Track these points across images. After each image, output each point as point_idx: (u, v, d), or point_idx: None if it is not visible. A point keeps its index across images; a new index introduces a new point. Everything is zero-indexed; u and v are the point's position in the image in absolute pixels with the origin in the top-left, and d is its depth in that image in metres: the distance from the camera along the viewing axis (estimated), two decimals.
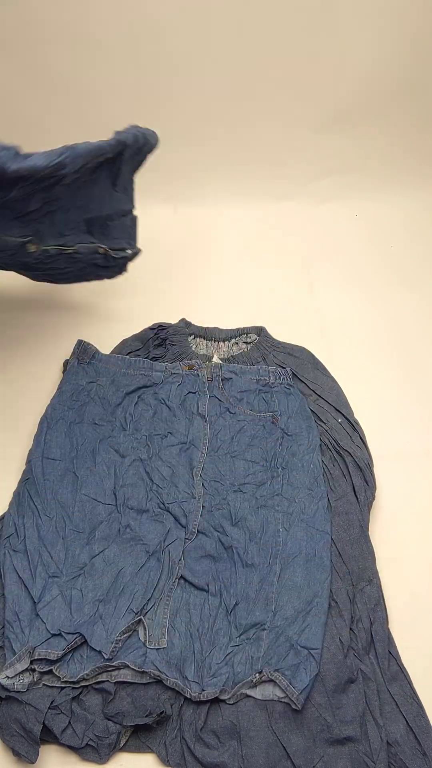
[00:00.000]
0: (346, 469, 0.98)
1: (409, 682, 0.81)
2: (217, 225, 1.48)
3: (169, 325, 1.17)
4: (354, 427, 1.03)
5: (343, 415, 1.04)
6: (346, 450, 0.99)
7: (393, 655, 0.83)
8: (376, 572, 0.90)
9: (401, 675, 0.82)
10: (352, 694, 0.79)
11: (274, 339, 1.16)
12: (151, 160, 1.49)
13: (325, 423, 1.03)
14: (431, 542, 0.97)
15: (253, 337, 1.17)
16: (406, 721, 0.78)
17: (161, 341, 1.15)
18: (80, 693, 0.79)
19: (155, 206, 1.49)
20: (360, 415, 1.07)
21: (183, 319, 1.18)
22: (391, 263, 1.41)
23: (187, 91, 1.40)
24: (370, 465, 0.99)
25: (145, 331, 1.16)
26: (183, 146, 1.48)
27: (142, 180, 1.52)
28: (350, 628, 0.84)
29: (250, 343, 1.17)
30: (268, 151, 1.50)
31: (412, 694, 0.80)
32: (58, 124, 1.42)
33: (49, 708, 0.76)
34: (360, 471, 0.98)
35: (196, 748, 0.75)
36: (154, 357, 1.13)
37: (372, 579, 0.88)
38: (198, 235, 1.46)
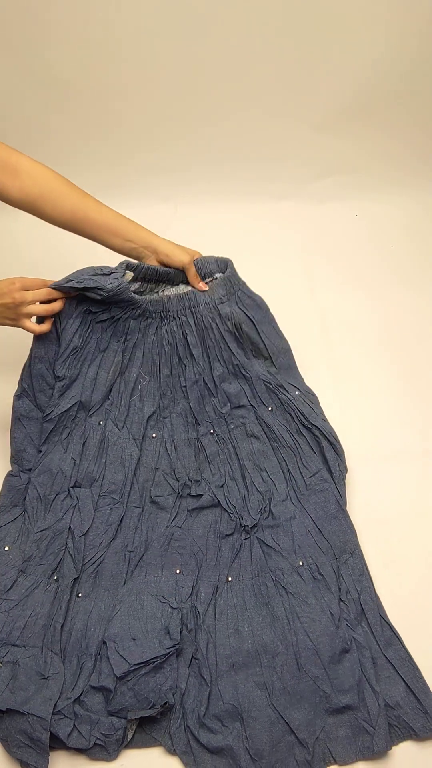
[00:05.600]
0: (317, 444, 0.98)
1: (403, 646, 0.84)
2: (216, 225, 1.48)
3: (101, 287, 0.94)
4: (307, 397, 1.01)
5: (292, 385, 1.01)
6: (314, 425, 0.98)
7: (385, 620, 0.86)
8: (357, 544, 0.92)
9: (395, 639, 0.85)
10: (348, 664, 0.81)
11: (239, 278, 1.04)
12: (152, 160, 1.50)
13: (287, 393, 1.01)
14: (431, 542, 0.97)
15: (218, 275, 1.03)
16: (405, 683, 0.81)
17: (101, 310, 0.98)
18: (81, 695, 0.79)
19: (155, 206, 1.50)
20: (359, 414, 1.07)
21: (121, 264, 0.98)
22: (391, 263, 1.41)
23: (187, 91, 1.40)
24: (336, 436, 0.98)
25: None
26: (183, 146, 1.48)
27: (142, 180, 1.53)
28: (340, 599, 0.86)
29: (214, 279, 1.03)
30: (268, 151, 1.50)
31: (408, 657, 0.83)
32: (58, 124, 1.42)
33: (52, 713, 0.76)
34: (331, 445, 0.97)
35: (201, 735, 0.77)
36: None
37: (354, 551, 0.91)
38: (198, 235, 1.46)
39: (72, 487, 0.95)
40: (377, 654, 0.83)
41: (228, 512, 0.95)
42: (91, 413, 0.99)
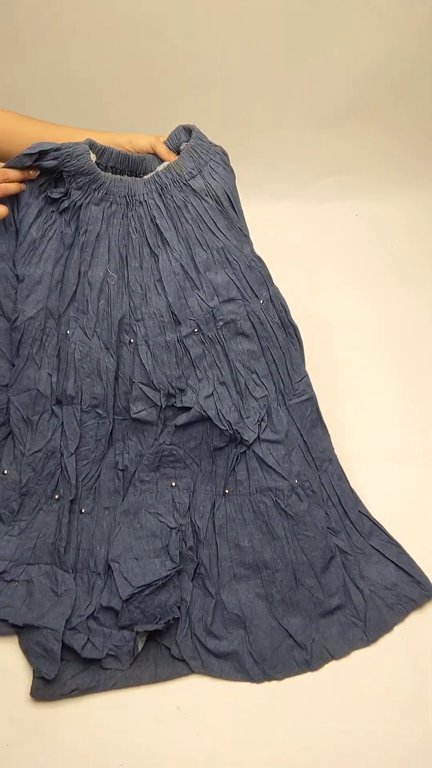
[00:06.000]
0: (296, 345, 0.93)
1: (385, 532, 0.93)
2: None
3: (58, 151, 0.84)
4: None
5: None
6: (291, 323, 0.92)
7: (364, 514, 0.94)
8: (332, 449, 0.96)
9: (376, 528, 0.93)
10: (333, 569, 0.88)
11: (208, 144, 0.91)
12: None
13: (272, 285, 0.92)
14: (431, 542, 0.97)
15: (183, 138, 0.91)
16: (394, 563, 0.90)
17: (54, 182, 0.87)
18: (93, 612, 0.83)
19: None
20: (359, 414, 1.06)
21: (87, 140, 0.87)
22: (391, 263, 1.41)
23: (186, 91, 1.40)
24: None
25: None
26: None
27: None
28: (325, 512, 0.92)
29: (181, 142, 0.91)
30: (267, 151, 1.50)
31: (390, 540, 0.92)
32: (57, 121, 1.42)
33: (67, 629, 0.81)
34: (301, 347, 0.94)
35: (208, 641, 0.82)
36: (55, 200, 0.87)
37: (331, 458, 0.95)
38: None
39: (54, 405, 0.89)
40: (363, 545, 0.91)
41: (221, 428, 0.89)
42: (59, 322, 0.89)
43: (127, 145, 0.91)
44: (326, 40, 1.34)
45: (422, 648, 0.85)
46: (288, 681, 0.82)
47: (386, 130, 1.49)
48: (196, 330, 0.89)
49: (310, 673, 0.82)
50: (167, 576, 0.84)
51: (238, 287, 0.89)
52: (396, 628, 0.86)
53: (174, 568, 0.85)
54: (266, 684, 0.81)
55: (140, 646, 0.82)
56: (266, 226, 1.50)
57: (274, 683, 0.81)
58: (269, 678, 0.81)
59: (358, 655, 0.83)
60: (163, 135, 0.93)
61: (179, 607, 0.84)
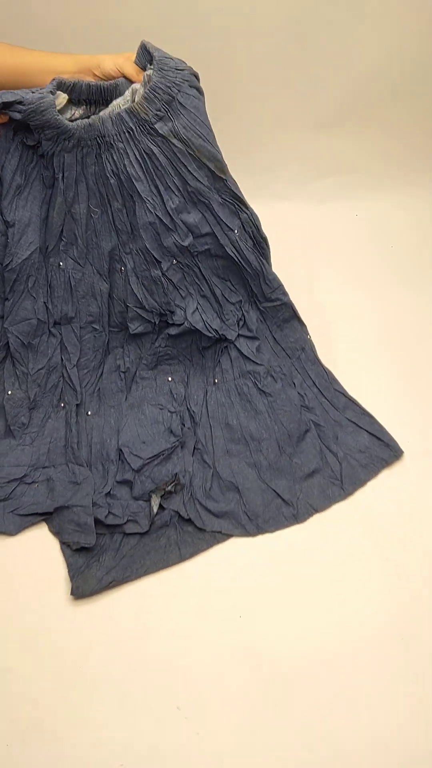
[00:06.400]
0: (268, 260, 1.02)
1: (358, 405, 1.06)
2: None
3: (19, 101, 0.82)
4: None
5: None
6: (264, 237, 1.00)
7: (339, 391, 1.07)
8: (306, 339, 1.08)
9: (350, 403, 1.06)
10: (309, 440, 1.01)
11: (173, 67, 0.86)
12: None
13: (247, 209, 0.98)
14: (431, 543, 0.97)
15: (147, 59, 0.87)
16: (367, 431, 1.02)
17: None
18: (110, 490, 0.94)
19: None
20: None
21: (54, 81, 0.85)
22: (391, 263, 1.41)
23: None
24: None
25: None
26: None
27: None
28: (298, 393, 1.04)
29: (147, 78, 0.87)
30: (267, 151, 1.50)
31: (363, 411, 1.05)
32: None
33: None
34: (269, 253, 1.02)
35: (207, 503, 0.94)
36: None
37: (304, 347, 1.07)
38: None
39: (52, 327, 0.99)
40: (339, 418, 1.03)
41: (209, 336, 1.02)
42: (48, 256, 0.95)
43: (96, 70, 0.88)
44: (326, 41, 1.34)
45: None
46: (286, 665, 0.80)
47: (386, 130, 1.49)
48: (174, 262, 0.99)
49: (308, 657, 0.81)
50: (172, 447, 0.97)
51: (209, 224, 0.96)
52: (368, 484, 0.99)
53: (177, 440, 0.98)
54: (266, 676, 0.81)
55: (155, 508, 0.93)
56: (266, 226, 1.50)
57: (273, 673, 0.81)
58: (262, 531, 0.92)
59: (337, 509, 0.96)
60: (132, 52, 0.89)
61: (183, 477, 0.96)
